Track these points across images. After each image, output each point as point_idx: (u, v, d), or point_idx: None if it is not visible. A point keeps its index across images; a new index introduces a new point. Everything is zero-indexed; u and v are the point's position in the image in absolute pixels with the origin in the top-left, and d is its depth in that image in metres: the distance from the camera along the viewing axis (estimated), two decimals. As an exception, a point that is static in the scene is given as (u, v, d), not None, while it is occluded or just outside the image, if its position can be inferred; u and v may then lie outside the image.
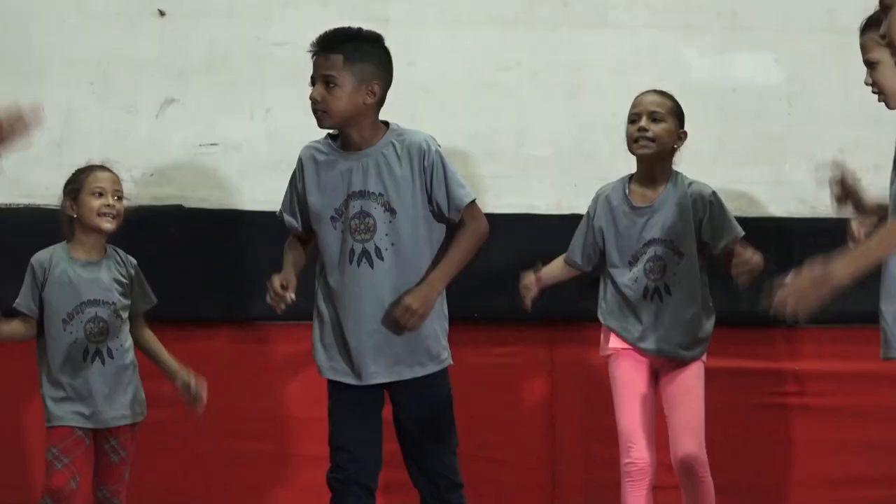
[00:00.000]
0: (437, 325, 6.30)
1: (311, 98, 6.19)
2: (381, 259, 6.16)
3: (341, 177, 6.21)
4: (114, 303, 6.97)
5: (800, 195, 8.73)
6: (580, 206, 8.04)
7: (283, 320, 7.91)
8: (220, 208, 8.38)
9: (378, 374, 6.20)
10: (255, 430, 8.36)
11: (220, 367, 8.19)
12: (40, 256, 6.99)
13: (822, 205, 8.28)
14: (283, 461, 8.36)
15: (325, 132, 6.35)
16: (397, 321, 6.13)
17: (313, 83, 6.21)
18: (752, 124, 8.74)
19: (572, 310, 7.98)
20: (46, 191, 7.86)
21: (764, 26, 8.86)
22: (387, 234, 6.17)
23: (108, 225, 6.95)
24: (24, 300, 6.95)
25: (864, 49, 5.77)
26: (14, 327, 6.97)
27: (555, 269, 7.43)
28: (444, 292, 6.31)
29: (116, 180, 7.05)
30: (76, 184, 7.02)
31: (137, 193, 7.48)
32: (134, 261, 7.10)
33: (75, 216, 6.98)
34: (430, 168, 6.20)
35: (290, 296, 6.17)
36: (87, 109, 8.35)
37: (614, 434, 7.22)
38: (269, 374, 8.40)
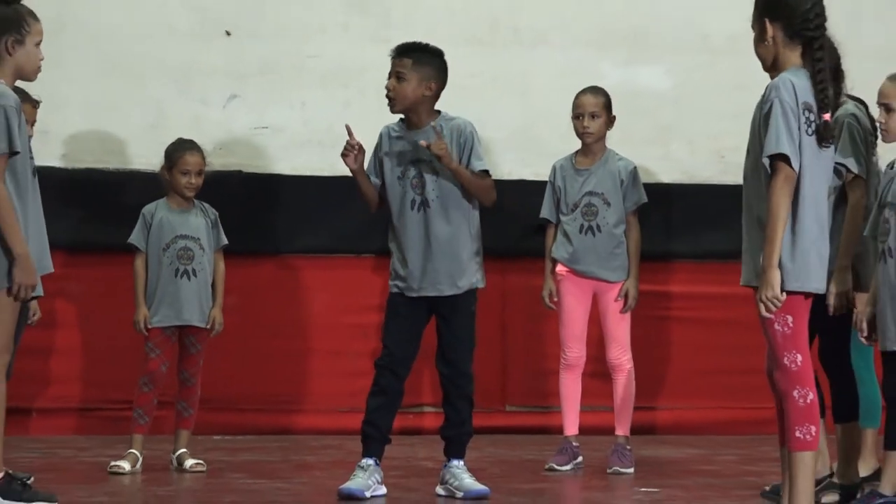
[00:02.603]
0: (469, 257, 6.20)
1: (386, 87, 6.15)
2: (430, 207, 6.13)
3: (405, 147, 6.19)
4: (198, 238, 6.98)
5: (681, 168, 8.83)
6: (526, 175, 8.30)
7: (313, 253, 8.30)
8: (267, 173, 8.47)
9: (424, 289, 6.13)
10: (290, 332, 8.39)
11: (268, 286, 8.37)
12: (148, 206, 7.02)
13: (697, 176, 8.75)
14: (306, 354, 8.37)
15: (397, 117, 6.25)
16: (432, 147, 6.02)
17: (389, 77, 6.16)
18: (649, 118, 8.74)
19: (519, 248, 8.01)
20: (144, 160, 7.96)
21: (658, 46, 8.88)
22: (433, 189, 6.13)
23: (189, 194, 6.98)
24: (135, 237, 6.96)
25: (886, 95, 5.63)
26: (138, 268, 6.95)
27: (552, 240, 7.23)
28: (478, 238, 6.22)
29: (200, 162, 7.01)
30: (171, 161, 7.00)
31: (210, 162, 7.23)
32: (214, 211, 7.11)
33: (169, 181, 7.01)
34: (464, 143, 6.16)
35: (358, 152, 6.10)
36: (173, 101, 8.38)
37: (550, 337, 7.35)
38: (298, 291, 8.41)
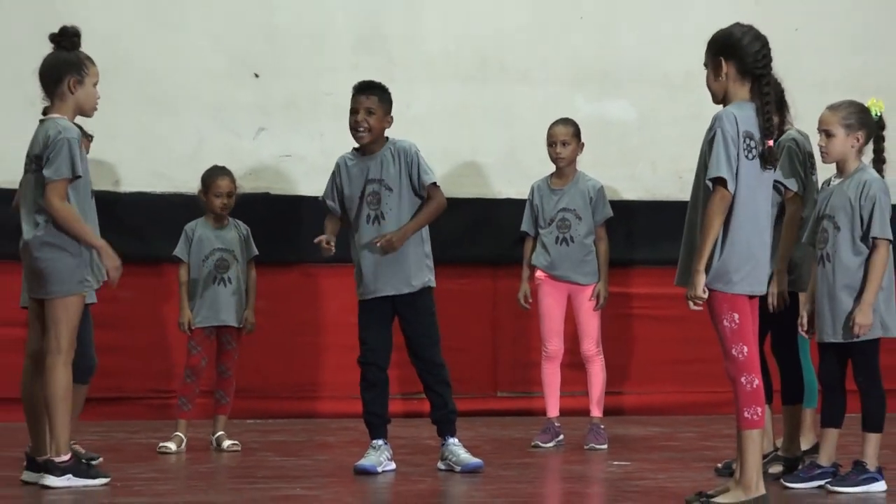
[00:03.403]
0: (417, 259, 6.10)
1: (357, 121, 6.07)
2: (385, 219, 6.07)
3: (361, 172, 6.12)
4: (232, 250, 6.99)
5: (644, 187, 8.83)
6: (512, 194, 8.29)
7: (326, 263, 8.08)
8: (290, 194, 8.46)
9: (384, 289, 6.06)
10: (312, 329, 8.42)
11: (292, 291, 8.39)
12: (190, 224, 7.03)
13: (658, 194, 8.74)
14: (325, 349, 8.39)
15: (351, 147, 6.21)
16: (381, 247, 5.98)
17: (355, 113, 6.08)
18: (617, 144, 8.77)
19: (508, 256, 7.97)
20: (185, 184, 7.92)
21: (624, 83, 8.87)
22: (386, 204, 6.07)
23: (222, 213, 6.99)
24: (179, 251, 6.98)
25: (826, 123, 5.54)
26: (181, 276, 6.97)
27: (529, 251, 7.22)
28: (430, 243, 6.15)
29: (231, 185, 7.01)
30: (206, 185, 7.01)
31: (241, 185, 7.30)
32: (246, 227, 7.11)
33: (206, 202, 7.02)
34: (410, 162, 6.07)
35: (331, 248, 6.04)
36: (210, 134, 8.38)
37: (534, 333, 7.32)
38: (318, 295, 8.43)
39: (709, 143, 4.83)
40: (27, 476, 5.57)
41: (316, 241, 6.06)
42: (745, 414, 4.85)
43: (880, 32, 9.09)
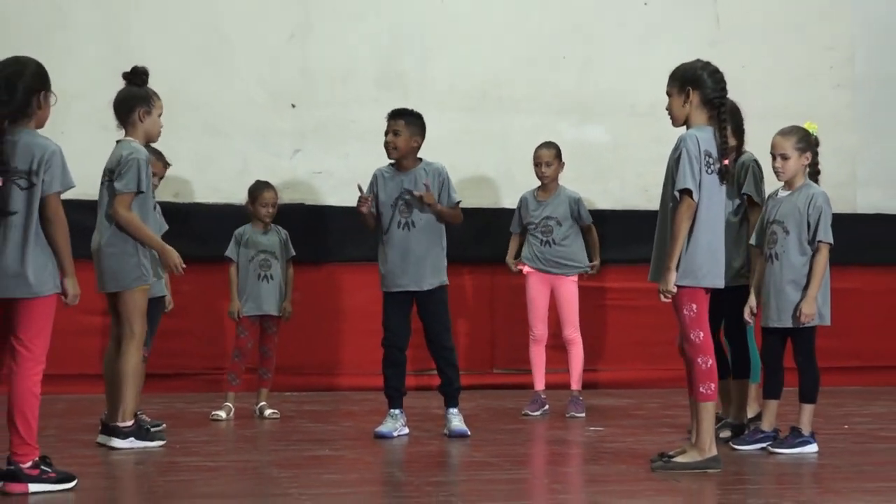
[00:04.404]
0: (435, 260, 6.07)
1: (387, 141, 6.04)
2: (415, 226, 6.07)
3: (395, 184, 6.11)
4: (273, 252, 6.98)
5: (616, 199, 8.78)
6: (506, 204, 8.29)
7: (351, 262, 8.27)
8: (322, 205, 8.43)
9: (407, 285, 6.05)
10: (340, 318, 8.39)
11: (324, 285, 8.35)
12: (239, 229, 7.05)
13: (627, 204, 8.70)
14: (350, 333, 8.34)
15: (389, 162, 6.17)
16: (421, 196, 5.93)
17: (387, 134, 6.05)
18: (593, 163, 8.73)
19: (502, 255, 7.71)
20: (234, 196, 7.90)
21: (599, 112, 8.84)
22: (415, 214, 6.05)
23: (266, 220, 7.00)
24: (230, 251, 7.00)
25: (779, 147, 5.48)
26: (232, 273, 6.96)
27: (514, 247, 7.29)
28: (445, 251, 6.09)
29: (274, 197, 7.02)
30: (253, 197, 7.02)
31: (281, 197, 7.31)
32: (286, 231, 7.10)
33: (252, 211, 7.04)
34: (441, 181, 6.09)
35: (369, 202, 6.01)
36: (254, 154, 8.35)
37: (525, 320, 7.27)
38: (350, 287, 8.38)
39: (675, 160, 4.84)
40: (101, 439, 5.59)
41: (360, 199, 6.02)
42: (701, 389, 4.85)
43: (810, 69, 9.09)
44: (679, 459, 4.90)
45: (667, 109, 4.97)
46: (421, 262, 6.03)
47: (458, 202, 6.17)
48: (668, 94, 4.95)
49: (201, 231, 7.95)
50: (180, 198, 8.17)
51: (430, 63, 8.67)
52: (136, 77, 5.68)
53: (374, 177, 6.19)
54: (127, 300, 5.51)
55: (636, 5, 8.92)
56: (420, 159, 6.15)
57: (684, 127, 4.97)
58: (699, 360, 4.85)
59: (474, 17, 8.75)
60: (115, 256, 5.51)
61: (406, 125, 6.06)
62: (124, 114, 5.64)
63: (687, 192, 4.80)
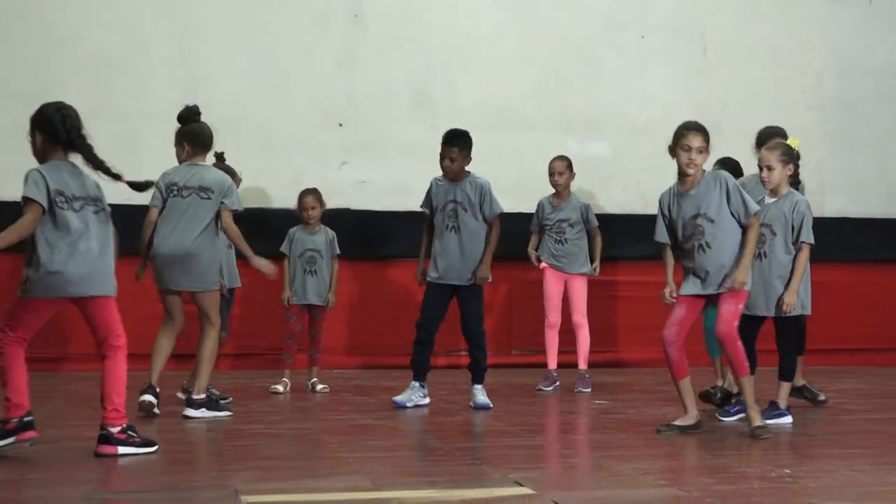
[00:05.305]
0: (476, 260, 6.01)
1: (444, 167, 5.99)
2: (460, 230, 6.02)
3: (446, 193, 6.06)
4: (319, 250, 6.94)
5: (618, 205, 8.73)
6: (523, 209, 7.99)
7: (390, 259, 8.23)
8: (365, 210, 8.41)
9: (452, 279, 6.01)
10: (380, 306, 8.35)
11: (366, 278, 8.35)
12: (291, 229, 6.95)
13: (627, 209, 8.65)
14: (388, 320, 8.29)
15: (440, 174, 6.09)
16: (476, 280, 5.92)
17: (443, 158, 5.98)
18: (598, 173, 8.69)
19: (520, 253, 7.70)
20: (289, 202, 7.74)
21: (602, 129, 8.80)
22: (463, 220, 6.00)
23: (310, 221, 6.94)
24: (283, 247, 6.96)
25: (766, 160, 5.43)
26: (285, 266, 6.86)
27: (534, 241, 7.24)
28: None
29: (313, 201, 6.92)
30: (298, 202, 6.96)
31: (327, 202, 7.14)
32: (333, 232, 7.05)
33: (298, 214, 6.99)
34: (483, 194, 6.02)
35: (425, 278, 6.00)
36: (306, 166, 8.34)
37: (540, 308, 7.22)
38: (389, 280, 8.38)
39: (725, 192, 4.92)
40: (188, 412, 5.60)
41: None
42: (746, 365, 5.00)
43: (785, 92, 9.03)
44: (677, 423, 4.90)
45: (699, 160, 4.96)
46: (466, 260, 5.99)
47: (499, 212, 6.05)
48: (702, 149, 4.94)
49: (261, 231, 7.78)
50: (243, 205, 8.11)
51: (456, 87, 8.66)
52: (192, 115, 5.66)
53: (430, 185, 6.16)
54: (207, 297, 5.56)
55: (634, 37, 8.91)
56: (468, 173, 6.08)
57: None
58: (739, 343, 4.96)
59: (494, 47, 8.75)
60: (204, 262, 5.52)
61: (459, 151, 5.99)
62: (205, 144, 5.64)
63: (756, 215, 4.99)
